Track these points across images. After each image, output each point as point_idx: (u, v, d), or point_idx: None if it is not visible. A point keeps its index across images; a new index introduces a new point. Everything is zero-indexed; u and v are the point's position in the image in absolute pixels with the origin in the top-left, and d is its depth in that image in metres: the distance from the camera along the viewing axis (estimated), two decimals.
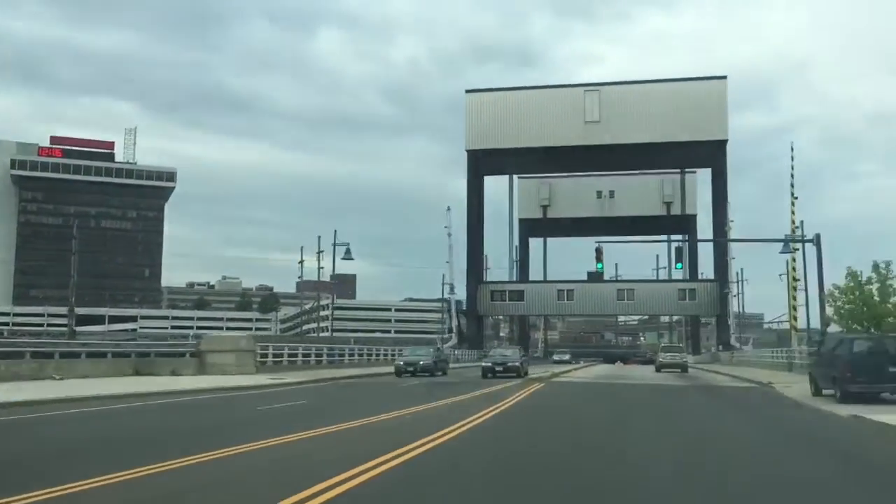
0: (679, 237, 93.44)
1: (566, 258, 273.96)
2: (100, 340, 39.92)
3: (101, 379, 25.89)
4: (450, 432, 12.27)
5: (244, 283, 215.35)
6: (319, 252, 66.82)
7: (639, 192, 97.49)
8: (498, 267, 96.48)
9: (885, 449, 12.39)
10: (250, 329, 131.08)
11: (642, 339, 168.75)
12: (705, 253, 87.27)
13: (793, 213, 46.23)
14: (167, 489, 7.70)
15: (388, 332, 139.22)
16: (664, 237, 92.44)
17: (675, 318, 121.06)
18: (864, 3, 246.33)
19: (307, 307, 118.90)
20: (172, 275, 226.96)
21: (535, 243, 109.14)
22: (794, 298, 49.55)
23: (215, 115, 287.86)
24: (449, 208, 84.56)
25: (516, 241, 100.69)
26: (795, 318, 49.18)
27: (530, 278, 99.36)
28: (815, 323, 40.51)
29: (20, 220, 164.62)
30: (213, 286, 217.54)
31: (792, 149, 48.33)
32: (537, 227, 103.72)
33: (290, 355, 39.41)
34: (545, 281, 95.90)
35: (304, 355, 40.97)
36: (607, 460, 10.35)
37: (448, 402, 19.54)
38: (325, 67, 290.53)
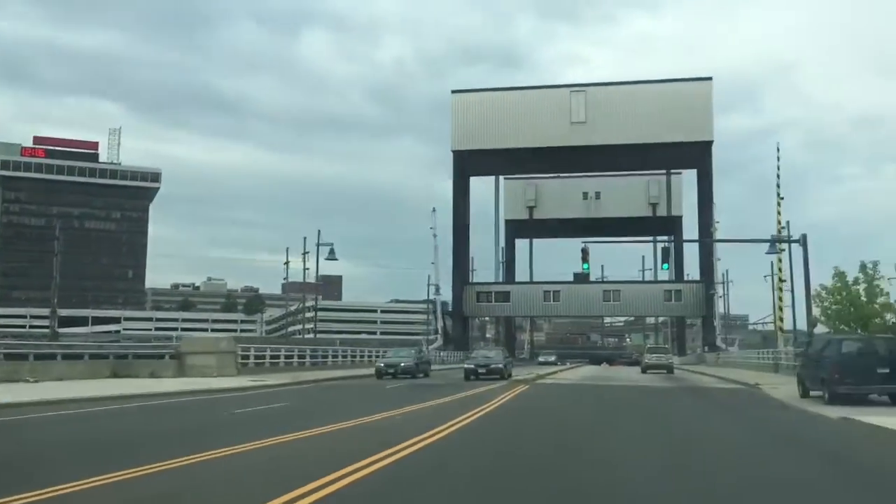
0: (665, 238, 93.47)
1: (552, 259, 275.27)
2: (82, 342, 39.30)
3: (78, 381, 25.47)
4: (423, 440, 11.75)
5: (229, 284, 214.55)
6: (305, 253, 66.21)
7: (625, 193, 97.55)
8: (484, 268, 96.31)
9: (875, 451, 12.19)
10: (235, 331, 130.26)
11: (628, 340, 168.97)
12: (691, 254, 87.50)
13: (779, 213, 46.20)
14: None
15: (374, 333, 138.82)
16: (650, 238, 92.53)
17: (660, 319, 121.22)
18: (848, 6, 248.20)
19: (292, 308, 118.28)
20: (157, 276, 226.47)
21: (521, 244, 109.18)
22: (781, 299, 49.53)
23: (200, 115, 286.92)
24: (434, 209, 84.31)
25: (502, 242, 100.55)
26: (781, 319, 49.11)
27: (516, 279, 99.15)
28: (802, 323, 40.41)
29: (2, 221, 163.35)
30: (197, 287, 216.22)
31: (778, 149, 48.51)
32: (523, 227, 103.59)
33: (272, 357, 38.94)
34: (531, 282, 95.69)
35: (287, 357, 40.49)
36: (593, 462, 10.21)
37: (428, 405, 19.12)
38: (311, 68, 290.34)
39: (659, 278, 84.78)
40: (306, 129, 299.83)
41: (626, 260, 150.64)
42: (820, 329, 31.95)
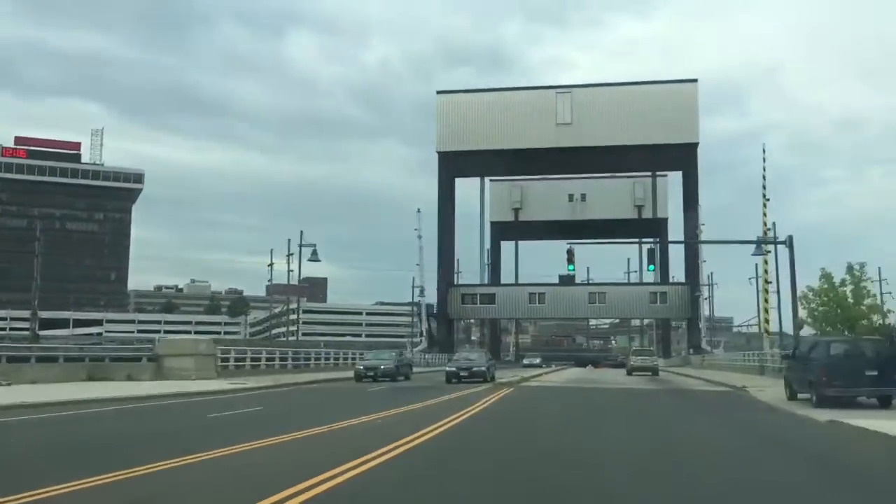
0: (650, 240, 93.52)
1: (538, 261, 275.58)
2: (63, 344, 38.55)
3: (52, 384, 24.92)
4: (399, 446, 11.21)
5: (213, 286, 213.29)
6: (289, 255, 65.79)
7: (610, 195, 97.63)
8: (469, 270, 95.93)
9: (864, 454, 12.05)
10: (219, 333, 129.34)
11: (613, 342, 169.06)
12: (676, 256, 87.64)
13: (764, 214, 46.15)
14: None
15: (360, 335, 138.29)
16: (636, 240, 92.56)
17: (646, 321, 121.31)
18: (832, 9, 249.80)
19: (277, 311, 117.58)
20: (140, 278, 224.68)
21: (506, 246, 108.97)
22: (766, 301, 49.37)
23: (184, 117, 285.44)
24: (419, 210, 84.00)
25: (488, 244, 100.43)
26: (767, 321, 48.98)
27: (502, 281, 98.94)
28: (788, 325, 40.35)
29: None
30: (181, 290, 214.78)
31: (764, 149, 48.44)
32: (509, 229, 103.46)
33: (253, 359, 38.38)
34: (517, 284, 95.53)
35: (269, 359, 39.92)
36: (580, 465, 10.09)
37: (408, 409, 18.59)
38: (295, 70, 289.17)
39: (644, 280, 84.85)
40: (291, 130, 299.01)
41: (612, 262, 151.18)
42: (806, 331, 31.79)
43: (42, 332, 66.35)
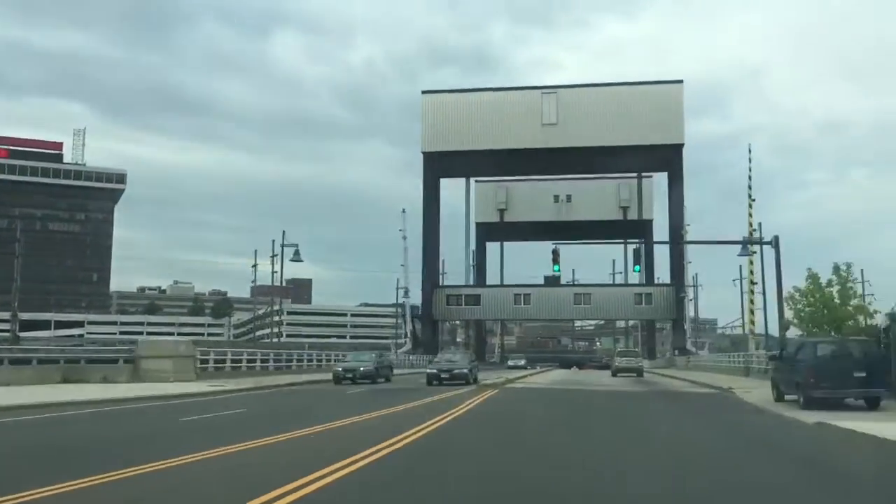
0: (636, 241, 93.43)
1: (523, 262, 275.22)
2: (44, 346, 37.84)
3: (25, 387, 24.33)
4: (379, 450, 10.80)
5: (197, 287, 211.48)
6: (273, 256, 65.37)
7: (596, 196, 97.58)
8: (454, 271, 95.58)
9: (851, 456, 11.98)
10: (203, 335, 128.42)
11: (598, 344, 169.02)
12: (662, 257, 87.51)
13: (750, 214, 46.07)
14: None
15: (344, 337, 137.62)
16: (621, 241, 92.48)
17: (631, 322, 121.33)
18: (816, 11, 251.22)
19: (261, 312, 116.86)
20: (122, 279, 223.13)
21: (491, 247, 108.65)
22: (752, 302, 49.25)
23: (168, 117, 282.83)
24: (404, 211, 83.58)
25: (473, 245, 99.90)
26: (752, 322, 48.87)
27: (487, 282, 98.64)
28: (774, 326, 40.15)
29: None
30: (164, 291, 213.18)
31: (749, 150, 48.47)
32: (494, 230, 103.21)
33: (233, 361, 37.81)
34: (502, 285, 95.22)
35: (250, 361, 39.39)
36: (566, 466, 10.06)
37: (388, 411, 18.11)
38: (280, 70, 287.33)
39: (630, 281, 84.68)
40: (276, 130, 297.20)
41: (597, 264, 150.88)
42: (793, 332, 31.61)
43: (23, 334, 65.58)
